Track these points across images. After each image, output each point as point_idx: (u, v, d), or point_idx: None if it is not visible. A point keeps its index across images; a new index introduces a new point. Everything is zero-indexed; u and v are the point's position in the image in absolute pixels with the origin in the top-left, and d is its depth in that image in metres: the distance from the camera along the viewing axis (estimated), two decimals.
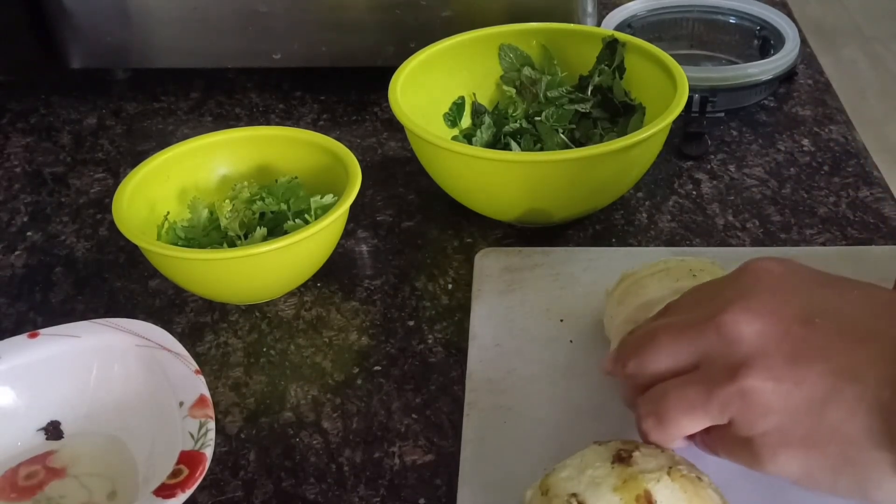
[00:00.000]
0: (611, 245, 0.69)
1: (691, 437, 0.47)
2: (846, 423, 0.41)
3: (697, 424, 0.45)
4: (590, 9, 0.84)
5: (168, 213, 0.67)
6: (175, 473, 0.47)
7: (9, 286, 0.69)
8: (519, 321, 0.61)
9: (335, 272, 0.68)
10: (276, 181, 0.67)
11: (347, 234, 0.71)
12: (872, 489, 0.42)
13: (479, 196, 0.69)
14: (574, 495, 0.43)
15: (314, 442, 0.56)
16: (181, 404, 0.51)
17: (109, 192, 0.77)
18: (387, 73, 0.72)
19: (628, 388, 0.49)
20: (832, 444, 0.42)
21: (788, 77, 0.86)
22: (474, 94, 0.77)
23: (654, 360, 0.46)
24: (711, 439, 0.46)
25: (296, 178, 0.67)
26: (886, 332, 0.42)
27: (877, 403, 0.40)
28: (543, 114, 0.74)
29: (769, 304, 0.44)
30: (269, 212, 0.66)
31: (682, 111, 0.66)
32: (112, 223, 0.65)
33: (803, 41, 0.88)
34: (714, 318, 0.44)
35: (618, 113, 0.74)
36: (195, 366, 0.54)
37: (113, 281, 0.69)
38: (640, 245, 0.69)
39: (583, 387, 0.56)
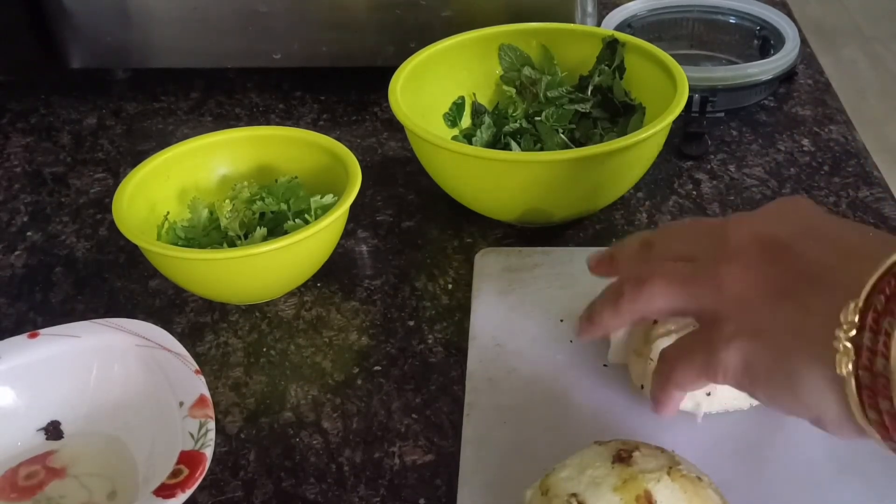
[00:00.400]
0: (611, 245, 0.69)
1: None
2: (796, 319, 0.42)
3: (669, 300, 0.48)
4: (590, 9, 0.84)
5: (168, 213, 0.67)
6: (175, 473, 0.47)
7: (9, 286, 0.69)
8: (519, 321, 0.61)
9: (335, 272, 0.68)
10: (276, 181, 0.67)
11: (347, 234, 0.71)
12: (800, 381, 0.42)
13: (479, 196, 0.69)
14: (574, 495, 0.43)
15: (314, 442, 0.56)
16: (181, 404, 0.51)
17: (109, 192, 0.77)
18: (387, 73, 0.72)
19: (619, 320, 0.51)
20: (778, 336, 0.43)
21: (788, 77, 0.86)
22: (474, 94, 0.77)
23: (653, 303, 0.49)
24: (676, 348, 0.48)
25: (296, 178, 0.67)
26: (863, 251, 0.42)
27: (827, 306, 0.41)
28: (543, 114, 0.74)
29: (767, 221, 0.47)
30: (269, 212, 0.66)
31: (682, 111, 0.66)
32: (112, 223, 0.65)
33: (803, 41, 0.88)
34: (718, 225, 0.48)
35: (618, 113, 0.74)
36: (195, 366, 0.54)
37: (113, 281, 0.69)
38: None
39: (583, 387, 0.56)
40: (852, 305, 0.39)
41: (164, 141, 0.81)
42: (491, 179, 0.66)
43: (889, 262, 0.40)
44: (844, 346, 0.39)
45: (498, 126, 0.75)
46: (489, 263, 0.66)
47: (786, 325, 0.43)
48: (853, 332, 0.39)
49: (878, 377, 0.39)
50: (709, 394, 0.52)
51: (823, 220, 0.46)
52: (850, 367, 0.39)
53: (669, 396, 0.49)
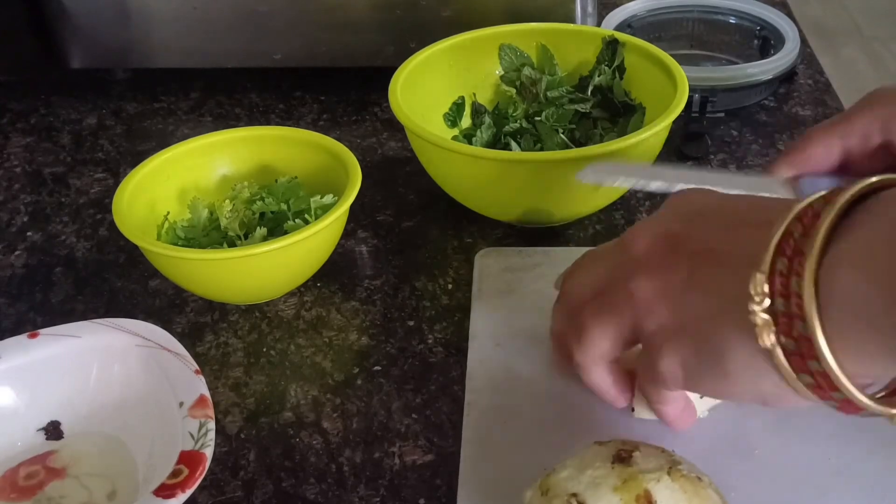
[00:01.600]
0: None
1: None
2: (709, 304, 0.42)
3: (609, 335, 0.47)
4: (590, 9, 0.84)
5: (168, 213, 0.67)
6: (175, 473, 0.47)
7: (9, 286, 0.69)
8: (519, 321, 0.61)
9: (335, 272, 0.68)
10: (276, 181, 0.67)
11: (347, 234, 0.71)
12: (730, 364, 0.42)
13: (479, 196, 0.69)
14: (574, 495, 0.43)
15: (314, 442, 0.56)
16: (181, 404, 0.51)
17: (109, 192, 0.77)
18: (387, 73, 0.72)
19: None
20: (698, 326, 0.42)
21: (788, 77, 0.86)
22: (474, 95, 0.77)
23: (578, 283, 0.51)
24: (644, 381, 0.48)
25: (296, 178, 0.67)
26: (756, 218, 0.42)
27: (734, 283, 0.40)
28: (543, 114, 0.74)
29: (664, 218, 0.46)
30: (269, 212, 0.66)
31: (682, 111, 0.66)
32: (112, 223, 0.65)
33: (803, 41, 0.88)
34: (623, 238, 0.47)
35: (618, 113, 0.74)
36: (195, 366, 0.54)
37: (113, 281, 0.69)
38: None
39: (583, 387, 0.56)
40: (758, 276, 0.39)
41: (164, 141, 0.81)
42: (491, 179, 0.66)
43: (784, 223, 0.39)
44: (762, 319, 0.39)
45: (498, 126, 0.75)
46: (489, 263, 0.66)
47: (701, 313, 0.42)
48: (767, 302, 0.39)
49: (800, 341, 0.38)
50: (702, 396, 0.52)
51: (715, 201, 0.46)
52: (773, 337, 0.39)
53: (661, 413, 0.50)
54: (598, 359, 0.49)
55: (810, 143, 0.55)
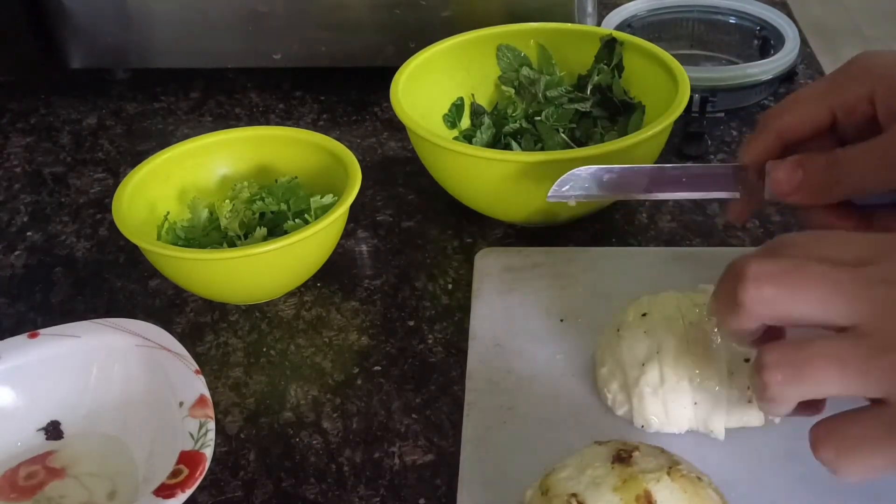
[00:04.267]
0: (611, 245, 0.69)
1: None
2: None
3: (841, 387, 0.40)
4: (590, 9, 0.84)
5: (168, 213, 0.67)
6: (175, 473, 0.47)
7: (9, 286, 0.69)
8: (519, 321, 0.61)
9: (335, 272, 0.68)
10: (276, 181, 0.67)
11: (347, 234, 0.71)
12: None
13: (480, 196, 0.69)
14: (574, 495, 0.43)
15: (314, 442, 0.56)
16: (181, 404, 0.51)
17: (109, 192, 0.77)
18: (387, 73, 0.72)
19: (743, 318, 0.42)
20: None
21: (788, 77, 0.86)
22: (473, 95, 0.77)
23: (802, 301, 0.40)
24: (839, 432, 0.41)
25: (296, 178, 0.67)
26: None
27: None
28: (543, 113, 0.74)
29: None
30: (269, 212, 0.66)
31: (682, 111, 0.66)
32: (112, 223, 0.65)
33: (803, 41, 0.88)
34: (885, 280, 0.40)
35: (617, 112, 0.74)
36: (195, 366, 0.54)
37: (113, 281, 0.69)
38: (640, 245, 0.69)
39: (583, 387, 0.56)
40: None
41: (164, 141, 0.81)
42: (493, 179, 0.65)
43: None
44: None
45: (497, 126, 0.75)
46: (489, 263, 0.66)
47: None
48: None
49: None
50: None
51: None
52: None
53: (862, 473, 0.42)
54: (808, 396, 0.41)
55: (802, 109, 0.55)
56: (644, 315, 0.55)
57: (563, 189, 0.59)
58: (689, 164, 0.60)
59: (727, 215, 0.59)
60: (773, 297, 0.41)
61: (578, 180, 0.59)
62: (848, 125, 0.54)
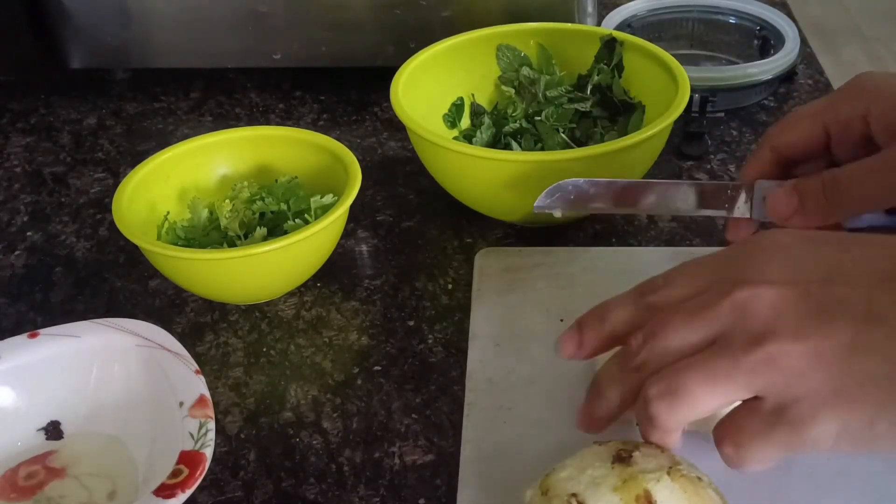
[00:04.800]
0: (611, 245, 0.69)
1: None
2: (878, 366, 0.41)
3: (718, 399, 0.43)
4: (590, 9, 0.84)
5: (168, 213, 0.67)
6: (175, 473, 0.47)
7: (9, 286, 0.69)
8: (519, 321, 0.61)
9: (335, 272, 0.68)
10: (276, 181, 0.67)
11: (347, 234, 0.71)
12: None
13: (481, 196, 0.69)
14: (574, 495, 0.43)
15: (314, 442, 0.56)
16: (181, 404, 0.51)
17: (109, 192, 0.77)
18: (387, 73, 0.72)
19: (626, 379, 0.46)
20: (866, 390, 0.41)
21: (788, 77, 0.86)
22: (473, 95, 0.77)
23: (666, 344, 0.44)
24: (733, 427, 0.44)
25: (296, 178, 0.67)
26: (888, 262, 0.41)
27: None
28: (543, 113, 0.74)
29: (782, 272, 0.43)
30: (269, 212, 0.66)
31: (683, 111, 0.66)
32: (112, 223, 0.65)
33: (803, 41, 0.88)
34: (728, 295, 0.43)
35: (617, 111, 0.74)
36: (195, 366, 0.54)
37: (113, 281, 0.69)
38: (640, 245, 0.69)
39: (583, 387, 0.56)
40: None
41: (164, 141, 0.81)
42: (493, 179, 0.66)
43: None
44: None
45: (497, 126, 0.75)
46: (489, 263, 0.66)
47: (868, 378, 0.41)
48: None
49: None
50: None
51: (832, 252, 0.44)
52: None
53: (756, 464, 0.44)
54: (685, 422, 0.44)
55: (798, 127, 0.55)
56: None
57: (549, 201, 0.59)
58: (679, 181, 0.60)
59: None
60: (647, 352, 0.45)
61: (565, 192, 0.59)
62: (843, 143, 0.54)
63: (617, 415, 0.47)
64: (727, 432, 0.44)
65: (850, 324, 0.41)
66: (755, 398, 0.43)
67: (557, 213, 0.60)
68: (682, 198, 0.59)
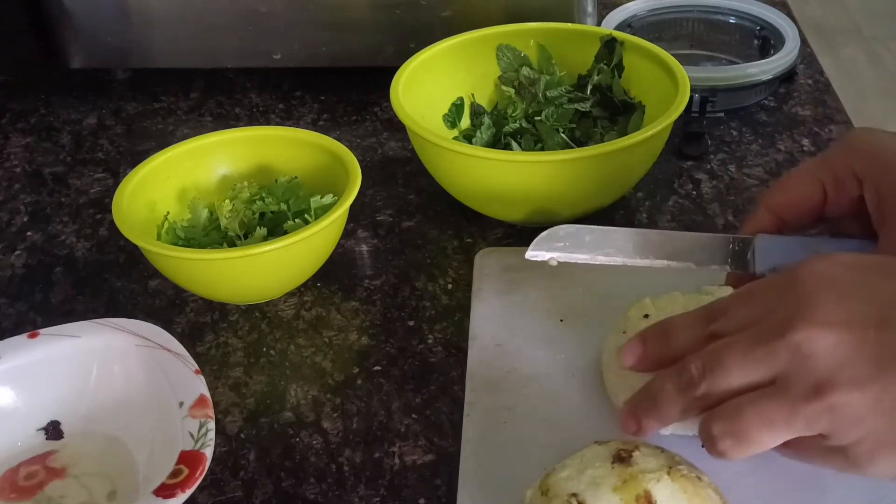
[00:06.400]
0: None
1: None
2: None
3: (779, 440, 0.44)
4: (590, 9, 0.84)
5: (168, 213, 0.67)
6: (175, 473, 0.47)
7: (9, 286, 0.69)
8: (519, 321, 0.61)
9: (335, 272, 0.68)
10: (276, 181, 0.67)
11: (347, 234, 0.71)
12: None
13: (481, 196, 0.69)
14: (574, 495, 0.43)
15: (314, 442, 0.56)
16: (181, 404, 0.51)
17: (109, 192, 0.77)
18: (387, 73, 0.72)
19: (684, 402, 0.47)
20: None
21: (788, 77, 0.86)
22: (473, 95, 0.77)
23: (727, 382, 0.45)
24: (797, 449, 0.45)
25: (296, 178, 0.67)
26: None
27: None
28: (543, 113, 0.74)
29: (838, 313, 0.43)
30: (269, 212, 0.66)
31: (682, 111, 0.66)
32: (112, 223, 0.65)
33: (803, 41, 0.88)
34: (783, 337, 0.43)
35: (617, 111, 0.74)
36: (195, 366, 0.54)
37: (113, 281, 0.69)
38: None
39: (583, 387, 0.56)
40: None
41: (164, 141, 0.81)
42: (493, 179, 0.66)
43: None
44: None
45: (497, 126, 0.75)
46: (489, 263, 0.66)
47: None
48: None
49: None
50: None
51: (882, 289, 0.44)
52: None
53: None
54: (757, 452, 0.45)
55: (796, 186, 0.55)
56: (646, 316, 0.55)
57: (542, 249, 0.58)
58: (674, 232, 0.59)
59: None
60: (707, 387, 0.46)
61: (558, 240, 0.58)
62: (838, 201, 0.54)
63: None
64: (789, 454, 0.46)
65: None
66: (817, 436, 0.44)
67: (553, 262, 0.58)
68: (678, 252, 0.57)
